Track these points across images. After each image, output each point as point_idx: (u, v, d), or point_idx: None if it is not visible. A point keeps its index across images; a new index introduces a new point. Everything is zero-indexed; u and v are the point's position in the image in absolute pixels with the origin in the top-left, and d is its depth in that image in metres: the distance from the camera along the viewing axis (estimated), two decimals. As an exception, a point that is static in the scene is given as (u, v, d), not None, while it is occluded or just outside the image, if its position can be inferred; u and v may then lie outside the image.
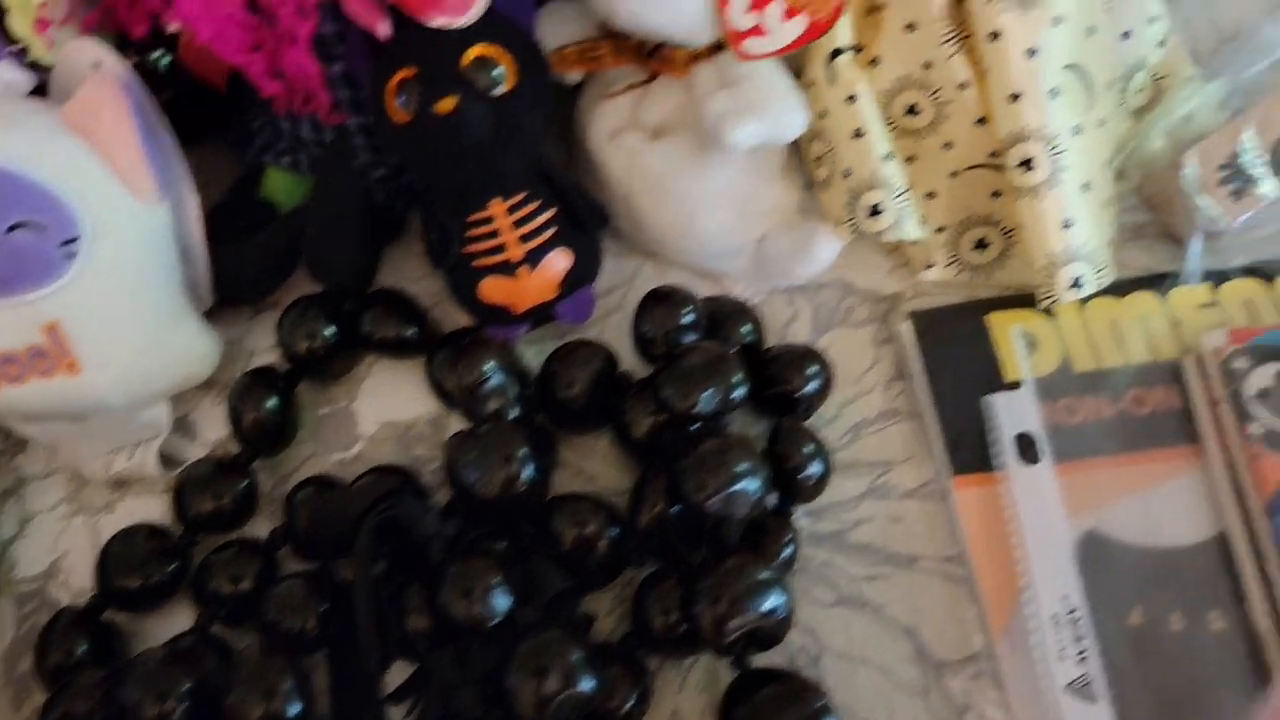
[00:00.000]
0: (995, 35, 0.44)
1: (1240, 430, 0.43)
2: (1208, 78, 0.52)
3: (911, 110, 0.48)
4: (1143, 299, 0.48)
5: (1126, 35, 0.50)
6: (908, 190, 0.47)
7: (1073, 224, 0.44)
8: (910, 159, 0.49)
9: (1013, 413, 0.45)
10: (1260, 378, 0.44)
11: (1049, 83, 0.44)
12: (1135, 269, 0.49)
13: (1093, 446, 0.45)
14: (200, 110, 0.51)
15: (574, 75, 0.50)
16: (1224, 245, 0.48)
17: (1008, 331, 0.47)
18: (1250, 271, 0.48)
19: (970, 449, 0.45)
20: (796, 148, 0.50)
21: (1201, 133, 0.51)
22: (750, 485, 0.41)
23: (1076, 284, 0.45)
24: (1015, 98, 0.44)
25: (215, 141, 0.54)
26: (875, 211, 0.46)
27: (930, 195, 0.49)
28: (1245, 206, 0.46)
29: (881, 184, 0.46)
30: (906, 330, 0.49)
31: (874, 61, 0.47)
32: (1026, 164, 0.44)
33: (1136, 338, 0.47)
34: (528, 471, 0.43)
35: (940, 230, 0.50)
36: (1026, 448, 0.45)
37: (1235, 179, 0.47)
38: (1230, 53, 0.52)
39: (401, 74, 0.44)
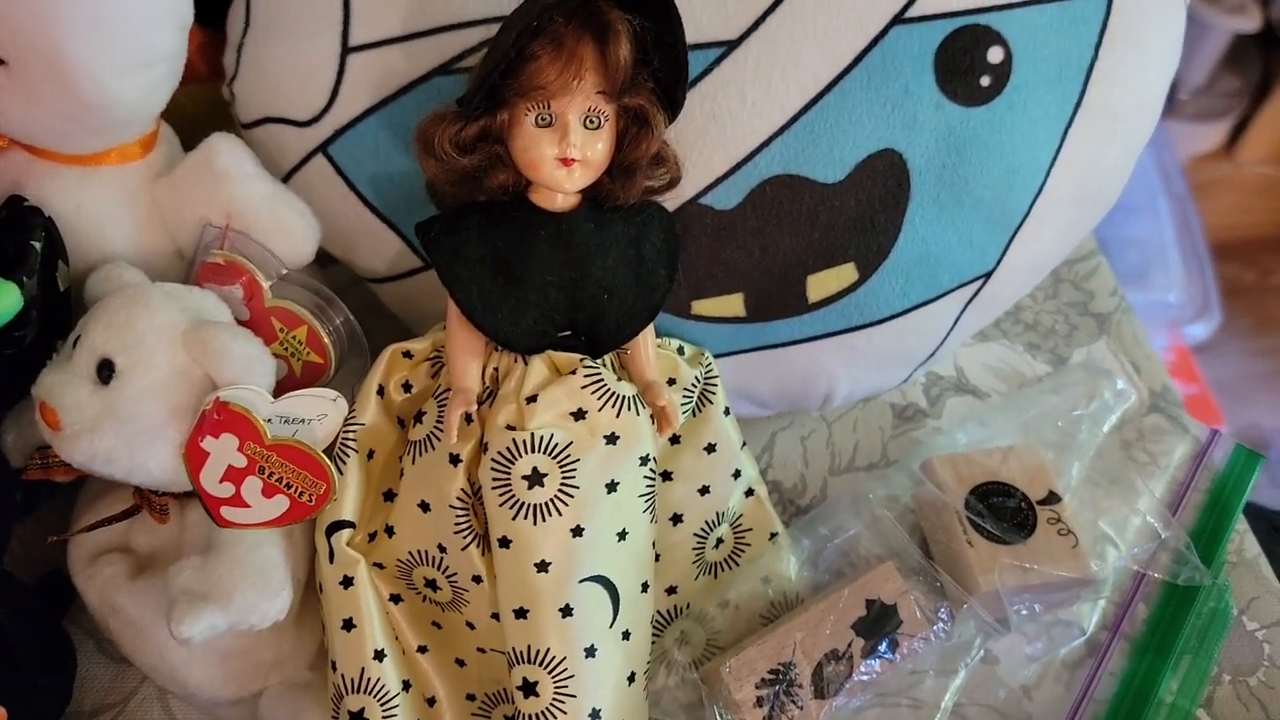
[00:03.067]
0: (506, 542, 0.39)
1: None
2: (796, 537, 0.48)
3: (431, 585, 0.42)
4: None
5: (705, 490, 0.46)
6: (401, 693, 0.41)
7: (574, 761, 0.39)
8: (436, 624, 0.43)
9: None
10: None
11: (560, 600, 0.39)
12: (687, 756, 0.45)
13: None
14: None
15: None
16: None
17: (514, 847, 0.41)
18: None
19: None
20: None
21: (779, 598, 0.47)
22: None
23: (573, 828, 0.39)
24: (521, 613, 0.39)
25: None
26: None
27: (460, 662, 0.43)
28: (777, 735, 0.42)
29: (369, 689, 0.40)
30: (407, 826, 0.42)
31: (390, 530, 0.41)
32: (528, 689, 0.39)
33: None
34: None
35: (470, 698, 0.44)
36: None
37: (773, 701, 0.42)
38: (815, 518, 0.48)
39: None
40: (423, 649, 0.43)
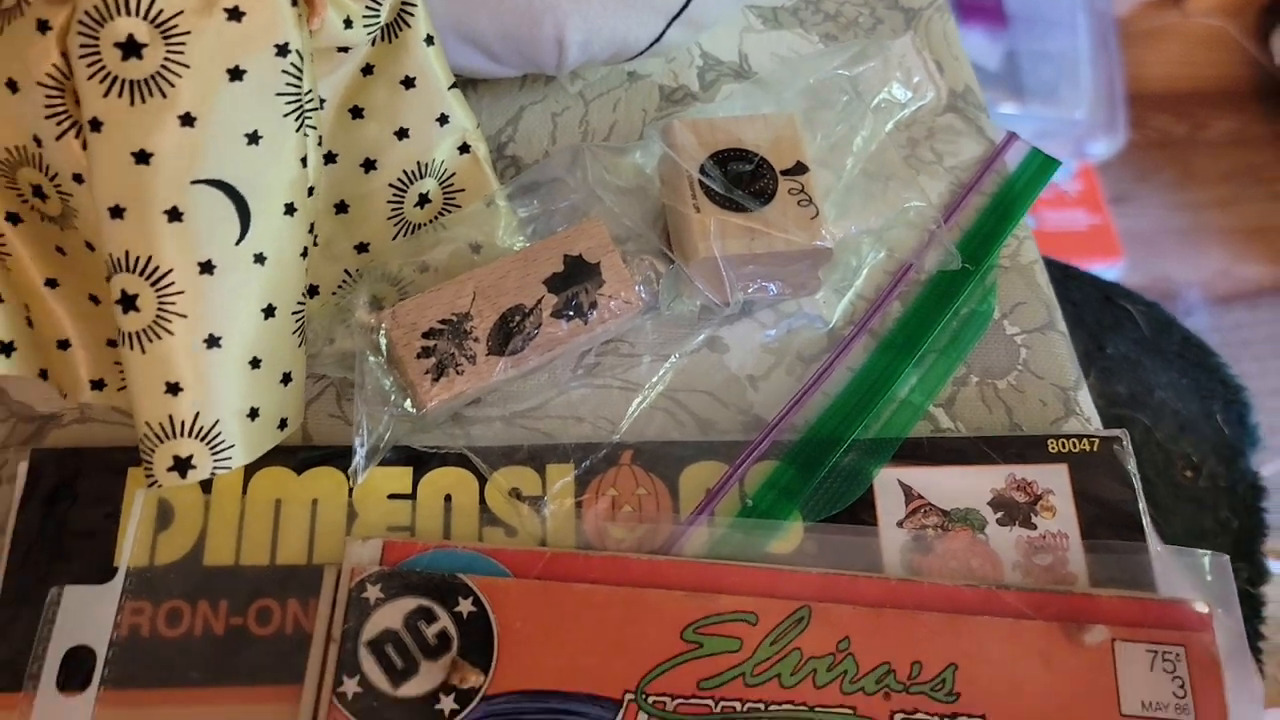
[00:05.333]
0: (97, 124, 0.32)
1: (333, 689, 0.34)
2: (513, 200, 0.42)
3: (39, 193, 0.36)
4: (326, 478, 0.38)
5: (404, 134, 0.40)
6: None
7: (183, 389, 0.34)
8: (60, 250, 0.37)
9: (78, 615, 0.35)
10: (387, 617, 0.35)
11: (166, 200, 0.33)
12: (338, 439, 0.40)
13: (177, 673, 0.35)
14: None
15: None
16: (443, 419, 0.39)
17: (136, 495, 0.37)
18: (463, 459, 0.39)
19: (20, 663, 0.35)
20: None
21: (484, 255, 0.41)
22: None
23: (181, 467, 0.34)
24: (118, 212, 0.33)
25: None
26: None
27: (94, 300, 0.38)
28: (444, 390, 0.37)
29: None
30: (22, 472, 0.37)
31: (-21, 119, 0.35)
32: (127, 302, 0.33)
33: (298, 530, 0.37)
34: None
35: (112, 344, 0.38)
36: (78, 668, 0.34)
37: (441, 353, 0.37)
38: (531, 177, 0.42)
39: None
40: (51, 283, 0.38)
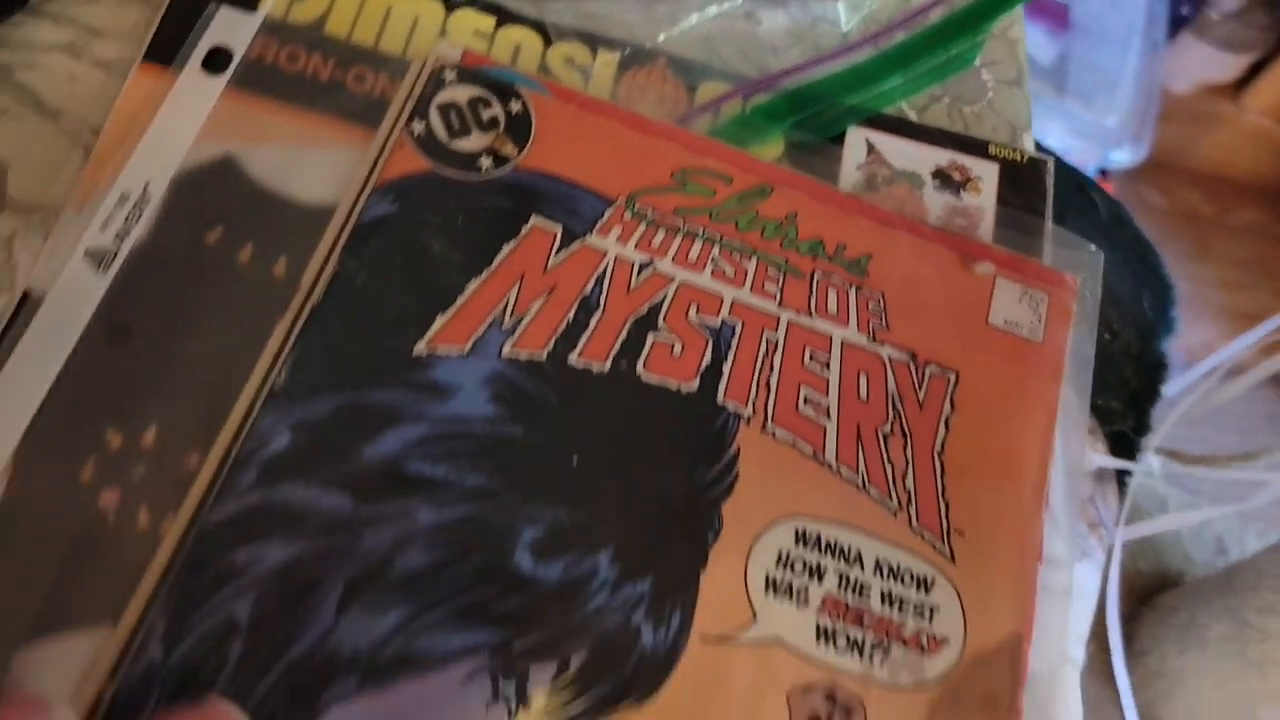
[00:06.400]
0: None
1: (406, 124, 0.44)
2: None
3: None
4: (429, 5, 0.48)
5: None
6: None
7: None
8: None
9: (226, 27, 0.45)
10: (455, 93, 0.44)
11: None
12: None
13: (284, 92, 0.45)
14: None
15: None
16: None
17: (284, -30, 0.47)
18: (540, 27, 0.48)
19: (175, 46, 0.44)
20: None
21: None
22: None
23: (334, -67, 0.44)
24: None
25: None
26: None
27: None
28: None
29: None
30: (202, -69, 0.47)
31: None
32: None
33: (400, 33, 0.47)
34: None
35: None
36: (219, 62, 0.44)
37: (544, -76, 0.47)
38: None
39: None
40: None
